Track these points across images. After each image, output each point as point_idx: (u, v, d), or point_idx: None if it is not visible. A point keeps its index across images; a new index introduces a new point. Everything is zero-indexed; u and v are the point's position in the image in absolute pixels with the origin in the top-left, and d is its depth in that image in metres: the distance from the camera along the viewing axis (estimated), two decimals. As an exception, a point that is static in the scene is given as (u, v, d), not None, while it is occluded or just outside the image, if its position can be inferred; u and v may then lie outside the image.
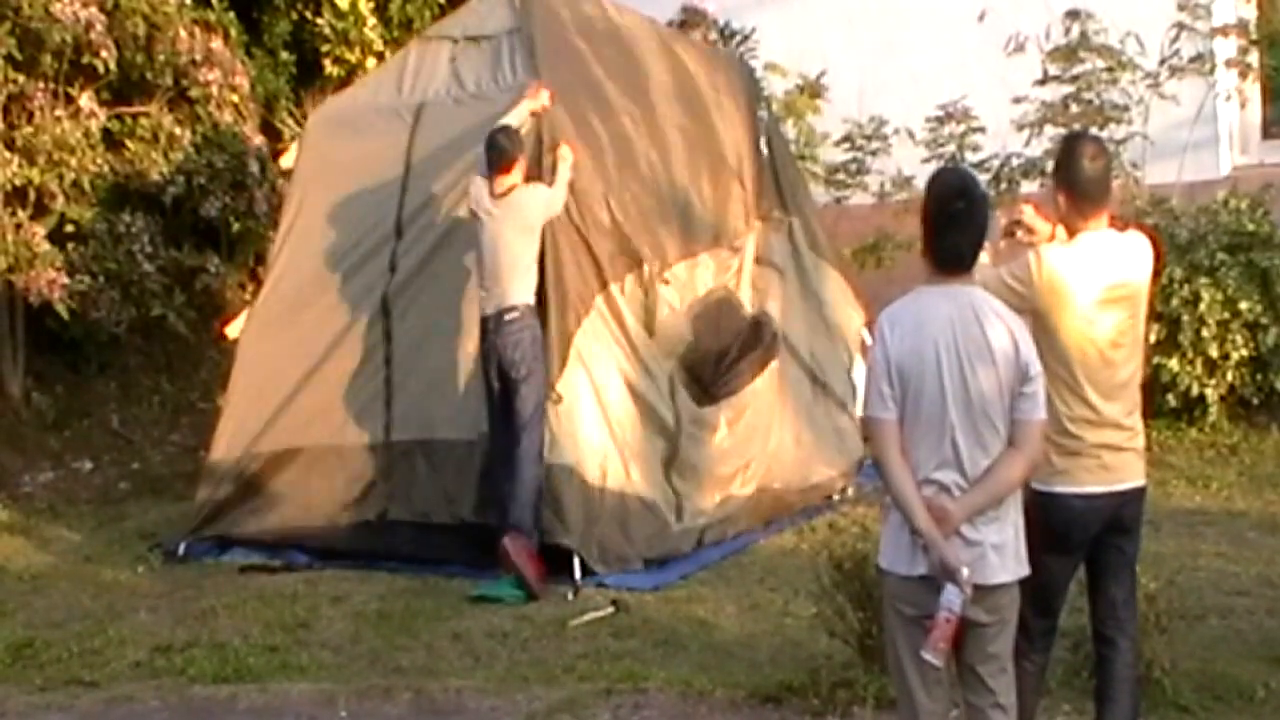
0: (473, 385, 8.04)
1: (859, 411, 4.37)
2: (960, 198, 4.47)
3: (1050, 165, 5.81)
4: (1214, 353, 9.64)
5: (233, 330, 9.22)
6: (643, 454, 8.17)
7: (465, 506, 8.02)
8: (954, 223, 4.42)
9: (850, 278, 9.96)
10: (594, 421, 8.01)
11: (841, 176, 11.86)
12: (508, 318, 7.70)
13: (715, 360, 8.61)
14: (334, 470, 8.32)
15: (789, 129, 11.79)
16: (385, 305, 8.41)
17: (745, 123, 9.19)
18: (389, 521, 8.24)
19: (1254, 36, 11.22)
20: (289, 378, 8.49)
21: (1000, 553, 4.39)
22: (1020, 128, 10.69)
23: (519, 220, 7.75)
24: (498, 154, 7.78)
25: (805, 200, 9.68)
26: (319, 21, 12.56)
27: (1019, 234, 5.10)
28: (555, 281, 7.93)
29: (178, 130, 10.77)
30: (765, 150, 9.22)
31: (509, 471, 7.68)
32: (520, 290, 7.74)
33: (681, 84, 9.05)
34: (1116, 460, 4.90)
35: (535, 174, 7.94)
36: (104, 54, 10.24)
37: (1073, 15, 10.77)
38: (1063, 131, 9.58)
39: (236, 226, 11.30)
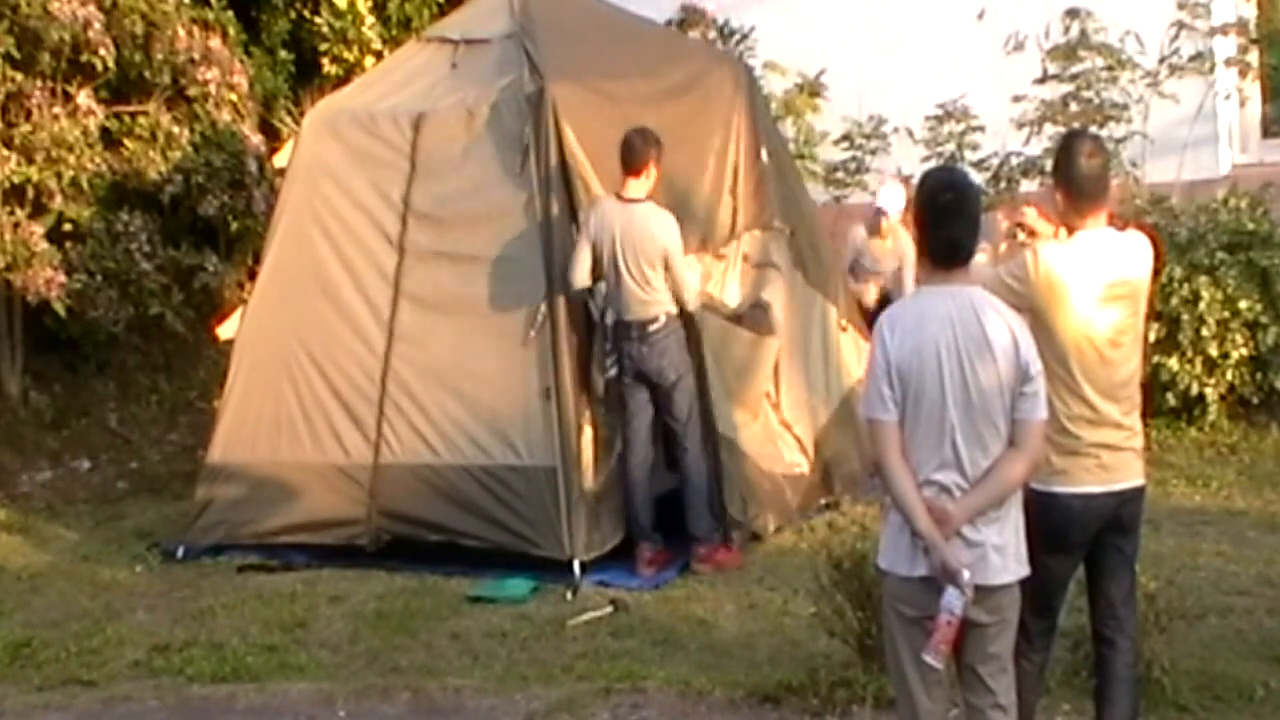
0: (471, 408, 8.01)
1: (861, 410, 4.37)
2: (947, 190, 4.51)
3: (1050, 164, 5.80)
4: (1213, 352, 9.61)
5: (224, 330, 9.18)
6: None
7: (461, 530, 7.97)
8: (944, 214, 4.44)
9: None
10: (587, 418, 7.98)
11: (841, 175, 11.85)
12: (651, 328, 7.78)
13: None
14: (328, 486, 8.25)
15: (788, 128, 11.77)
16: (383, 318, 8.30)
17: (744, 130, 9.07)
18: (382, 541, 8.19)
19: (1254, 35, 11.23)
20: (284, 384, 8.44)
21: (1001, 553, 4.38)
22: (1020, 126, 10.69)
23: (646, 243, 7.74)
24: (630, 154, 7.78)
25: (806, 216, 9.50)
26: (317, 20, 12.52)
27: (1021, 236, 5.10)
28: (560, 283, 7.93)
29: (176, 129, 10.72)
30: (765, 159, 9.10)
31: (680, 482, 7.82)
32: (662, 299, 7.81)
33: (681, 89, 8.96)
34: (1115, 460, 4.90)
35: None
36: (102, 52, 10.20)
37: (1072, 14, 10.77)
38: (1062, 130, 9.56)
39: (235, 225, 11.27)
